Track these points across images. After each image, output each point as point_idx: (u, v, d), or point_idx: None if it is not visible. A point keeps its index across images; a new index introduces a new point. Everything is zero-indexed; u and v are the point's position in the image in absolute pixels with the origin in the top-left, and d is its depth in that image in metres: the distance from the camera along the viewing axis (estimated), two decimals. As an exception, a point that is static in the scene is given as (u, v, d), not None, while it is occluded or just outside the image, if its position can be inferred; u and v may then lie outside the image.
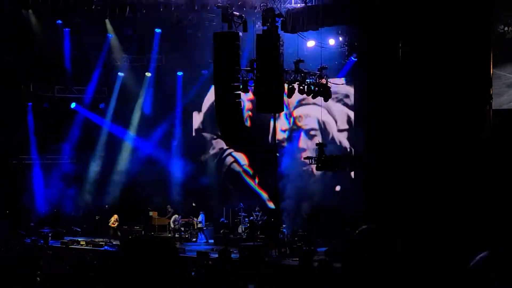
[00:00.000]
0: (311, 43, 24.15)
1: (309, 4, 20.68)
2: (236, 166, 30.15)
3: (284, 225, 25.28)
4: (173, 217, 28.20)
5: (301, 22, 19.78)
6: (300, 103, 27.95)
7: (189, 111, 31.01)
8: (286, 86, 20.83)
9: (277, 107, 19.66)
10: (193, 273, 12.24)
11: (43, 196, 30.13)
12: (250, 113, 28.65)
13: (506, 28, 17.81)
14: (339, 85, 26.26)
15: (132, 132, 31.20)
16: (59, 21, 26.04)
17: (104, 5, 22.45)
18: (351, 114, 26.63)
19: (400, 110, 17.98)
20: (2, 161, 29.44)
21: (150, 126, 31.02)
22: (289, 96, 21.51)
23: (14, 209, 28.54)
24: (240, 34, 20.01)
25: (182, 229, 27.85)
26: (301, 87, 21.21)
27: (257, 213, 26.83)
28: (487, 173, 16.56)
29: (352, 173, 26.08)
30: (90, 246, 25.61)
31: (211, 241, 27.39)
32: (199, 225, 27.93)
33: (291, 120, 28.54)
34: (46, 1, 23.85)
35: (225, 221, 27.96)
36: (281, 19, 19.37)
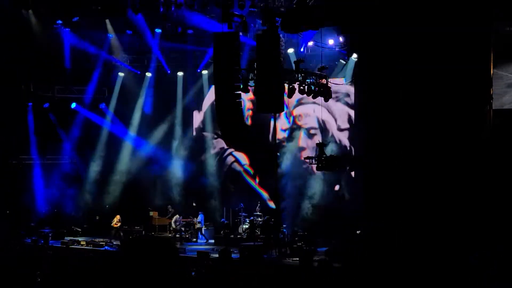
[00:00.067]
0: (310, 43, 24.19)
1: (309, 4, 20.68)
2: (237, 166, 30.16)
3: (284, 225, 25.29)
4: (174, 217, 28.20)
5: (301, 22, 19.74)
6: (299, 102, 27.96)
7: (189, 111, 31.01)
8: (286, 86, 20.83)
9: (277, 107, 19.65)
10: (193, 273, 12.24)
11: (43, 196, 30.14)
12: (250, 112, 28.66)
13: (508, 28, 17.79)
14: (339, 84, 26.26)
15: (132, 132, 31.21)
16: (59, 21, 26.02)
17: (104, 5, 22.44)
18: (352, 113, 26.62)
19: (400, 110, 17.99)
20: (2, 161, 29.44)
21: (150, 126, 31.04)
22: (290, 96, 21.52)
23: (15, 209, 28.53)
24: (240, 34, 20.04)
25: (183, 229, 27.85)
26: (301, 87, 21.21)
27: (258, 213, 26.84)
28: (487, 173, 16.56)
29: (352, 173, 26.10)
30: (90, 246, 25.61)
31: (212, 241, 27.40)
32: (198, 225, 27.95)
33: (291, 119, 28.55)
34: (46, 1, 23.85)
35: (226, 221, 27.98)
36: (281, 19, 19.35)
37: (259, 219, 26.41)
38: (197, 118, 31.10)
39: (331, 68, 25.88)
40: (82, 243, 26.24)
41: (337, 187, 26.68)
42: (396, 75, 17.99)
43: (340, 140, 27.08)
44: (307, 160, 23.83)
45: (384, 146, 18.85)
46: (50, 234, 26.95)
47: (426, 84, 17.40)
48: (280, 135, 28.39)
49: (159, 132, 30.90)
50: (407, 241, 17.30)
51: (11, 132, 29.00)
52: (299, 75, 21.20)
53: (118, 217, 27.70)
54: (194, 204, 29.20)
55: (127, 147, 31.28)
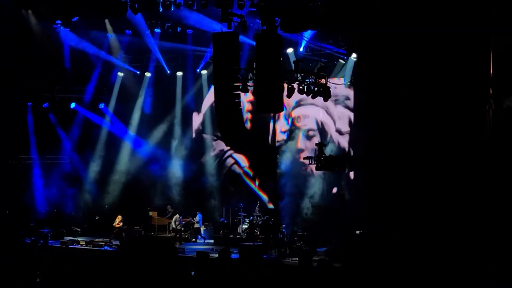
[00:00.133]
0: (310, 43, 24.19)
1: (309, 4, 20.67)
2: (236, 168, 30.16)
3: (283, 225, 25.30)
4: (174, 217, 28.20)
5: (300, 22, 19.73)
6: (298, 104, 27.98)
7: (189, 111, 31.01)
8: (285, 86, 20.82)
9: (277, 107, 19.63)
10: (192, 273, 12.22)
11: (43, 196, 30.14)
12: (250, 115, 28.62)
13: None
14: (339, 84, 26.27)
15: (132, 132, 31.21)
16: (59, 21, 26.02)
17: (104, 5, 22.42)
18: (352, 116, 26.62)
19: (400, 110, 17.98)
20: (2, 161, 29.44)
21: (149, 126, 31.04)
22: (289, 96, 21.50)
23: (14, 209, 28.52)
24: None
25: (182, 229, 27.85)
26: (300, 87, 21.20)
27: (257, 213, 26.85)
28: (487, 173, 16.55)
29: (352, 174, 26.10)
30: (90, 246, 25.60)
31: (211, 241, 27.40)
32: (196, 225, 27.96)
33: (290, 120, 28.56)
34: (45, 1, 23.83)
35: (225, 221, 27.98)
36: (280, 18, 19.34)
37: (259, 219, 26.42)
38: (197, 119, 31.11)
39: (331, 68, 25.91)
40: (81, 243, 26.23)
41: (335, 190, 26.69)
42: (396, 75, 17.97)
43: (338, 142, 27.09)
44: (306, 161, 23.82)
45: (384, 146, 18.84)
46: (49, 234, 26.95)
47: (426, 84, 17.39)
48: (280, 137, 28.42)
49: (159, 132, 30.91)
50: (407, 241, 17.30)
51: (11, 132, 28.99)
52: (299, 75, 21.18)
53: (120, 217, 27.70)
54: (193, 205, 29.20)
55: (126, 147, 31.29)
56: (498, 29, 16.54)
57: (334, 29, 23.74)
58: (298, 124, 28.34)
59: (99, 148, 31.31)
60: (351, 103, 26.65)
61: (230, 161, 30.39)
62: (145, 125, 31.15)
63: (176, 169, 30.27)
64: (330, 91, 22.12)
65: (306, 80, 21.34)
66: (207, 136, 30.71)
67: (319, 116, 26.70)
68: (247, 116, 28.46)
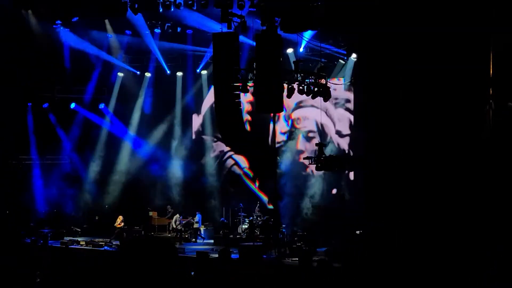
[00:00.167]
0: (310, 43, 24.18)
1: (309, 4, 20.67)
2: (236, 169, 30.17)
3: (283, 225, 25.30)
4: (175, 217, 28.21)
5: (300, 22, 19.74)
6: (298, 105, 28.01)
7: (189, 111, 31.01)
8: (285, 86, 20.82)
9: (277, 107, 19.63)
10: (192, 273, 12.21)
11: (43, 196, 30.14)
12: (249, 117, 28.60)
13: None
14: (339, 84, 26.26)
15: (132, 132, 31.21)
16: (59, 21, 26.02)
17: (104, 5, 22.42)
18: (353, 118, 26.63)
19: (400, 110, 17.98)
20: (2, 161, 29.43)
21: (150, 126, 31.04)
22: (289, 96, 21.50)
23: (14, 209, 28.52)
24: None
25: (182, 229, 27.85)
26: (300, 87, 21.20)
27: (257, 213, 26.85)
28: (487, 173, 16.56)
29: (352, 174, 26.11)
30: (90, 246, 25.60)
31: (211, 241, 27.40)
32: (196, 225, 27.96)
33: (290, 122, 28.57)
34: (45, 1, 23.84)
35: (225, 220, 27.97)
36: (280, 19, 19.34)
37: (259, 219, 26.42)
38: (196, 121, 31.11)
39: (331, 69, 25.91)
40: (81, 243, 26.24)
41: (334, 191, 26.70)
42: (396, 75, 17.97)
43: (338, 144, 27.11)
44: (306, 161, 23.83)
45: (384, 146, 18.85)
46: (49, 234, 26.95)
47: (426, 84, 17.39)
48: (279, 138, 28.43)
49: (159, 132, 30.90)
50: (407, 241, 17.30)
51: (11, 132, 28.98)
52: (298, 75, 21.17)
53: (121, 217, 27.70)
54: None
55: (126, 147, 31.29)
56: (498, 29, 16.54)
57: (334, 29, 23.73)
58: (298, 126, 28.35)
59: (99, 148, 31.31)
60: (351, 106, 26.66)
61: (230, 162, 30.39)
62: (145, 125, 31.15)
63: (176, 169, 30.27)
64: (330, 91, 22.11)
65: (306, 80, 21.33)
66: (207, 138, 30.71)
67: (318, 118, 26.72)
68: (247, 117, 28.44)
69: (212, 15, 23.10)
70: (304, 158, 24.39)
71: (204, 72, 29.64)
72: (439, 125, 17.24)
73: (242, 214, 27.40)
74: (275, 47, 18.70)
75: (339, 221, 23.50)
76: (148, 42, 27.96)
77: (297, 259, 20.78)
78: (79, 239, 27.40)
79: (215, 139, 30.47)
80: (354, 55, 24.52)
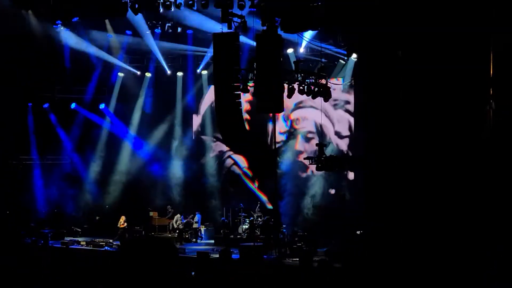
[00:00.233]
0: (310, 43, 24.18)
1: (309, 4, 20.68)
2: (236, 169, 30.18)
3: (284, 226, 25.31)
4: (175, 217, 28.23)
5: (300, 22, 19.74)
6: (297, 106, 28.03)
7: (189, 112, 31.02)
8: (285, 86, 20.83)
9: (277, 107, 19.64)
10: (193, 273, 12.22)
11: (43, 196, 30.14)
12: (248, 116, 28.61)
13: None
14: (338, 85, 26.27)
15: (132, 132, 31.22)
16: (59, 21, 26.01)
17: (104, 5, 22.42)
18: (352, 120, 26.65)
19: (400, 110, 17.98)
20: (2, 161, 29.44)
21: (150, 127, 31.04)
22: (289, 96, 21.51)
23: (15, 210, 28.53)
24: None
25: (183, 228, 27.87)
26: (301, 87, 21.20)
27: (258, 214, 26.86)
28: (487, 173, 16.55)
29: (352, 174, 26.11)
30: (90, 247, 25.60)
31: (212, 241, 27.40)
32: (195, 225, 27.96)
33: (289, 122, 28.58)
34: (46, 1, 23.83)
35: (226, 220, 27.95)
36: (280, 19, 19.34)
37: (259, 219, 26.43)
38: (196, 121, 31.12)
39: (331, 69, 25.92)
40: (82, 243, 26.24)
41: (332, 191, 26.70)
42: (396, 75, 17.97)
43: (337, 144, 27.13)
44: (306, 161, 23.83)
45: (384, 146, 18.84)
46: (50, 234, 26.96)
47: (426, 84, 17.39)
48: (278, 138, 28.43)
49: (159, 133, 30.91)
50: (407, 241, 17.30)
51: (11, 132, 28.99)
52: (299, 75, 21.18)
53: (123, 217, 27.71)
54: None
55: (127, 148, 31.29)
56: (498, 29, 16.54)
57: (334, 29, 23.74)
58: (297, 126, 28.36)
59: (99, 148, 31.31)
60: (350, 107, 26.70)
61: (229, 161, 30.40)
62: (145, 125, 31.16)
63: (176, 169, 30.29)
64: (330, 91, 22.13)
65: (307, 80, 21.34)
66: (207, 138, 30.71)
67: (317, 119, 26.74)
68: (245, 116, 28.45)
69: (212, 15, 23.11)
70: (304, 158, 24.40)
71: (204, 72, 29.64)
72: (439, 125, 17.24)
73: (243, 214, 27.40)
74: (276, 47, 18.71)
75: (339, 221, 23.52)
76: (149, 42, 27.96)
77: (297, 259, 20.81)
78: (80, 239, 27.41)
79: (214, 139, 30.49)
80: (354, 55, 24.51)
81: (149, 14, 24.79)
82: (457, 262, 16.14)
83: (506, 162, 16.50)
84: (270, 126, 28.67)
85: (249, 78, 20.11)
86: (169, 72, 30.29)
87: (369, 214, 19.70)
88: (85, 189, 31.03)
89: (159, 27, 27.01)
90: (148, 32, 27.24)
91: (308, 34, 23.19)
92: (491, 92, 17.11)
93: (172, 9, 22.04)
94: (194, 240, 27.82)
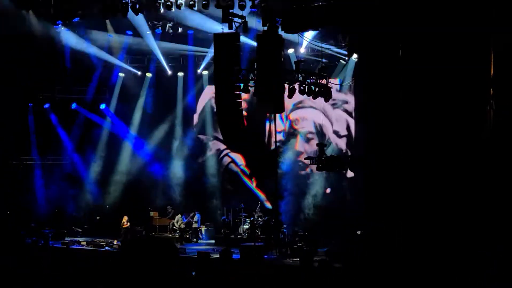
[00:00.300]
0: (311, 43, 24.20)
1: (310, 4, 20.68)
2: (233, 166, 30.21)
3: (285, 225, 25.32)
4: (176, 217, 28.25)
5: (301, 22, 19.75)
6: (296, 106, 28.05)
7: (189, 112, 31.04)
8: (286, 86, 20.85)
9: (278, 107, 19.66)
10: (193, 273, 12.24)
11: (43, 197, 30.14)
12: (245, 113, 28.64)
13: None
14: (337, 85, 26.30)
15: (133, 132, 31.22)
16: (60, 22, 26.02)
17: (105, 5, 22.43)
18: (350, 120, 26.67)
19: (400, 110, 17.99)
20: (2, 161, 29.45)
21: (150, 127, 31.05)
22: (290, 96, 21.54)
23: (15, 210, 28.54)
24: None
25: (185, 228, 27.90)
26: (301, 88, 21.22)
27: (258, 214, 26.86)
28: (487, 173, 16.56)
29: (352, 174, 26.12)
30: (91, 247, 25.60)
31: (212, 241, 27.41)
32: (194, 225, 27.97)
33: (287, 122, 28.59)
34: (46, 1, 23.85)
35: (227, 220, 27.92)
36: (281, 19, 19.35)
37: (260, 219, 26.43)
38: (195, 120, 31.15)
39: (332, 69, 25.92)
40: (82, 243, 26.24)
41: (328, 190, 26.72)
42: (396, 75, 17.98)
43: (336, 144, 27.15)
44: (307, 161, 23.84)
45: (384, 146, 18.85)
46: (50, 235, 26.97)
47: (426, 84, 17.40)
48: (276, 137, 28.41)
49: (160, 133, 30.90)
50: (407, 241, 17.31)
51: (12, 132, 29.00)
52: (299, 75, 21.19)
53: (126, 217, 27.73)
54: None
55: (127, 148, 31.29)
56: (498, 29, 16.54)
57: (335, 29, 23.74)
58: (296, 127, 28.38)
59: (100, 148, 31.31)
60: (348, 107, 26.73)
61: (226, 160, 30.43)
62: (146, 125, 31.16)
63: (177, 169, 30.29)
64: (331, 91, 22.15)
65: (307, 80, 21.36)
66: (204, 137, 30.73)
67: (317, 119, 26.76)
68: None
69: (213, 15, 23.13)
70: (305, 159, 24.42)
71: (205, 72, 29.65)
72: (440, 125, 17.24)
73: (243, 214, 27.40)
74: (276, 47, 18.73)
75: (339, 221, 23.53)
76: (149, 42, 27.96)
77: (298, 259, 20.83)
78: (80, 239, 27.42)
79: (211, 138, 30.51)
80: (355, 55, 24.51)
81: (150, 14, 24.78)
82: (457, 262, 16.15)
83: (506, 162, 16.50)
84: (267, 125, 28.75)
85: (250, 78, 20.12)
86: (169, 72, 30.29)
87: (369, 214, 19.71)
88: (85, 189, 31.03)
89: (160, 27, 27.01)
90: (149, 32, 27.23)
91: (309, 34, 23.20)
92: (492, 92, 17.12)
93: (173, 9, 22.07)
94: (194, 240, 27.81)
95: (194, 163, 30.30)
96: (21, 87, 28.71)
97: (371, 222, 19.32)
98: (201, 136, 30.79)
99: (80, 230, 29.52)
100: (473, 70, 16.87)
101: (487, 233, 16.18)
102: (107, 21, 27.18)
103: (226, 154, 30.40)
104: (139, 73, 30.81)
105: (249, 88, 20.27)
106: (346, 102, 26.86)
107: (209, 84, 29.44)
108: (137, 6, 21.89)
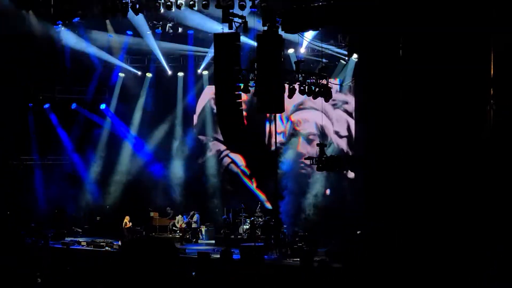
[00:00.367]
0: (311, 43, 24.20)
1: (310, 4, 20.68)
2: (234, 167, 30.21)
3: (285, 226, 25.32)
4: (177, 217, 28.24)
5: (301, 22, 19.75)
6: (297, 108, 28.04)
7: (189, 113, 31.03)
8: (286, 86, 20.85)
9: (278, 107, 19.66)
10: (193, 273, 12.26)
11: (44, 197, 30.13)
12: (245, 113, 28.63)
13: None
14: (336, 85, 26.30)
15: (133, 132, 31.22)
16: (60, 22, 26.01)
17: (105, 6, 22.43)
18: (350, 120, 26.67)
19: (400, 110, 17.99)
20: (2, 161, 29.44)
21: (150, 127, 31.04)
22: (290, 96, 21.54)
23: (15, 210, 28.52)
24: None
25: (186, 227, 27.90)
26: (301, 88, 21.22)
27: (258, 214, 26.86)
28: (487, 173, 16.56)
29: (352, 174, 26.12)
30: (91, 247, 25.60)
31: (212, 241, 27.40)
32: (194, 225, 27.96)
33: (288, 124, 28.58)
34: (47, 2, 23.85)
35: (227, 219, 27.89)
36: (281, 19, 19.35)
37: (260, 219, 26.43)
38: (195, 121, 31.15)
39: (332, 69, 25.92)
40: (82, 243, 26.24)
41: (328, 192, 26.72)
42: (396, 75, 17.98)
43: (338, 144, 27.15)
44: (307, 161, 23.84)
45: (384, 146, 18.86)
46: (50, 235, 26.96)
47: (426, 84, 17.40)
48: (277, 138, 28.41)
49: (160, 133, 30.90)
50: (407, 241, 17.31)
51: (12, 132, 28.98)
52: (300, 75, 21.19)
53: (127, 217, 27.71)
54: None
55: (127, 148, 31.28)
56: (498, 29, 16.55)
57: (335, 29, 23.73)
58: (298, 128, 28.38)
59: (100, 148, 31.30)
60: (348, 107, 26.73)
61: (226, 160, 30.43)
62: (146, 125, 31.14)
63: (177, 169, 30.28)
64: (331, 91, 22.14)
65: (307, 80, 21.36)
66: (204, 138, 30.73)
67: (318, 120, 26.76)
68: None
69: (213, 15, 23.13)
70: (305, 159, 24.43)
71: (205, 72, 29.64)
72: (440, 125, 17.24)
73: (244, 214, 27.39)
74: (276, 47, 18.72)
75: (339, 221, 23.53)
76: (149, 42, 27.96)
77: (298, 259, 20.84)
78: (80, 239, 27.40)
79: (211, 139, 30.51)
80: (355, 55, 24.51)
81: (150, 14, 24.79)
82: (457, 262, 16.15)
83: (506, 162, 16.50)
84: (267, 126, 28.76)
85: (250, 78, 20.12)
86: (169, 72, 30.28)
87: (369, 214, 19.72)
88: (85, 189, 31.02)
89: (160, 27, 27.00)
90: (149, 32, 27.23)
91: (309, 34, 23.20)
92: (492, 92, 17.12)
93: (173, 9, 22.08)
94: (194, 240, 27.79)
95: (194, 163, 30.29)
96: (21, 87, 28.70)
97: (371, 222, 19.33)
98: (201, 137, 30.78)
99: (80, 230, 29.52)
100: (473, 70, 16.88)
101: (487, 233, 16.18)
102: (107, 21, 27.18)
103: (226, 155, 30.40)
104: (139, 73, 30.80)
105: (249, 88, 20.27)
106: (346, 103, 26.85)
107: (209, 84, 29.43)
108: (137, 6, 21.89)
